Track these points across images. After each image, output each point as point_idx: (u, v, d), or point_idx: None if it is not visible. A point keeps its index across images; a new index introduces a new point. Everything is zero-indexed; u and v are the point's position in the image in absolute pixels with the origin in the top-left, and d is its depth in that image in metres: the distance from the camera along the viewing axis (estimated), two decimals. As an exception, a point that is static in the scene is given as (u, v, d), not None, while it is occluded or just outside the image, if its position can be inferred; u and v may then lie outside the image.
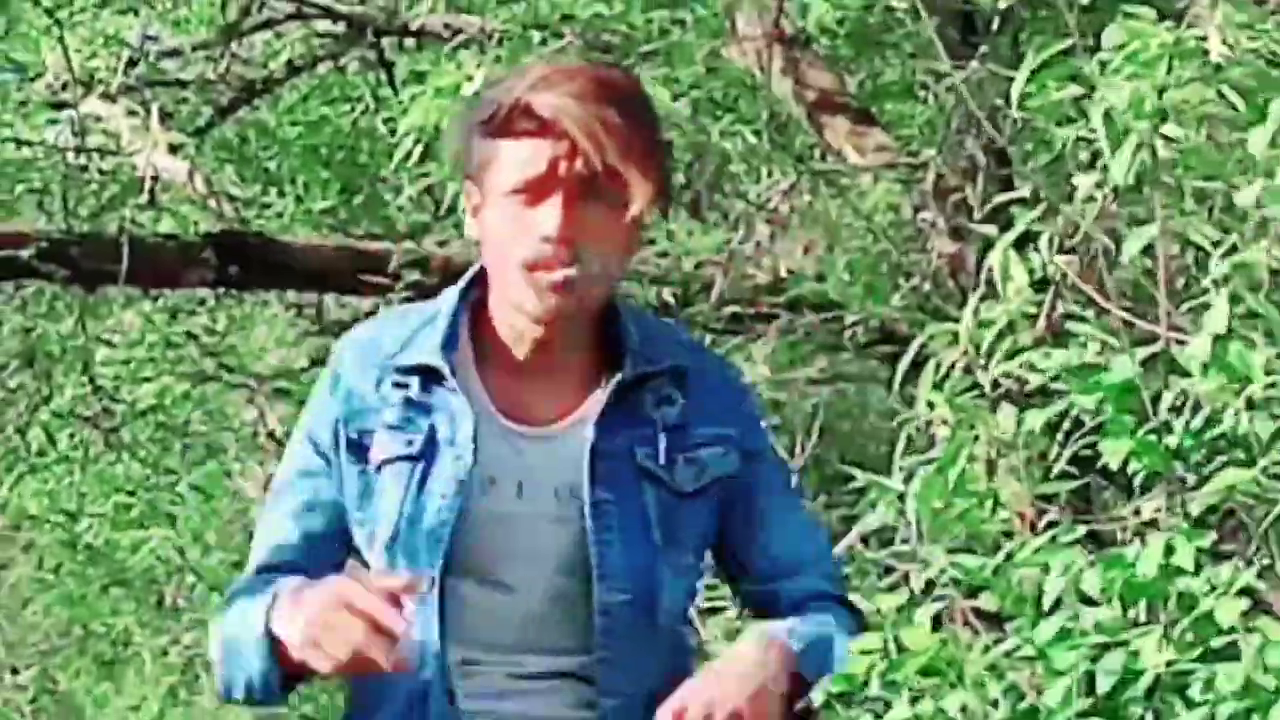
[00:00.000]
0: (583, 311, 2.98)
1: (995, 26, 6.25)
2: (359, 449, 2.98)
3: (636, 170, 2.92)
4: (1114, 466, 2.62)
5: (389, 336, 3.03)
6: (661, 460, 2.99)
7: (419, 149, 5.99)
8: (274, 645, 2.83)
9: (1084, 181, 2.77)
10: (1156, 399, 2.60)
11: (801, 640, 2.90)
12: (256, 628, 2.85)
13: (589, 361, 3.02)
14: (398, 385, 2.99)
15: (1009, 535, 2.71)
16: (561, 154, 2.90)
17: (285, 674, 2.87)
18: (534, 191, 2.91)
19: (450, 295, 3.04)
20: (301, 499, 3.03)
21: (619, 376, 2.98)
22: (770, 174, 7.14)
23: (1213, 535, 2.55)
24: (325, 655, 2.75)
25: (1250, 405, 2.56)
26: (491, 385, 2.99)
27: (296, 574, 2.93)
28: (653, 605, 2.96)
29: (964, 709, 2.54)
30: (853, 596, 3.05)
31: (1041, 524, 2.73)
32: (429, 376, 2.97)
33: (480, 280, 3.02)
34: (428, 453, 2.96)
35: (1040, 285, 2.76)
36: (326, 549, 3.01)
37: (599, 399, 2.97)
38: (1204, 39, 2.72)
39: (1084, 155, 2.84)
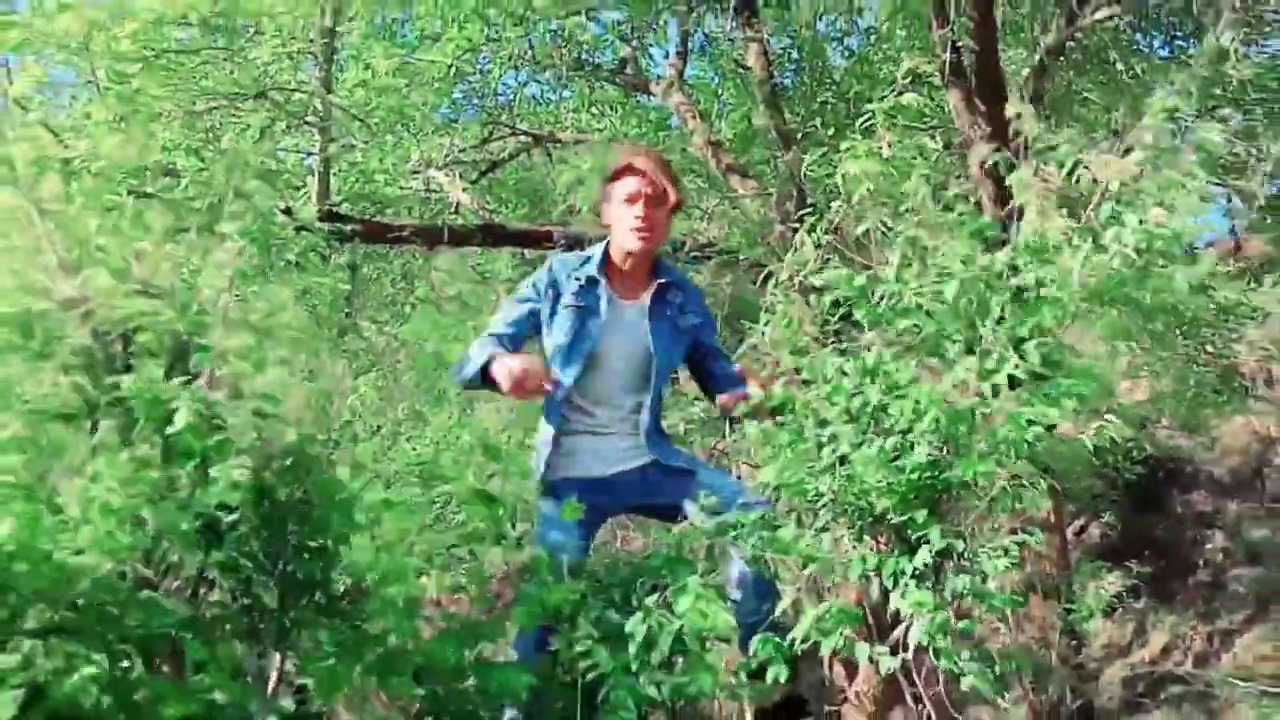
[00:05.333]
0: (649, 253, 3.01)
1: (800, 137, 6.15)
2: (556, 298, 2.97)
3: (671, 190, 2.99)
4: (858, 319, 2.59)
5: (573, 259, 3.03)
6: (674, 317, 3.00)
7: (567, 192, 5.98)
8: (486, 371, 2.81)
9: (836, 204, 2.75)
10: (873, 292, 2.56)
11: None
12: (481, 360, 2.83)
13: (648, 277, 3.02)
14: (577, 279, 2.98)
15: (808, 348, 2.69)
16: (644, 184, 2.96)
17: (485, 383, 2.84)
18: (632, 200, 2.97)
19: (600, 247, 3.03)
20: (518, 308, 3.00)
21: (657, 282, 3.00)
22: (706, 198, 7.05)
23: (900, 343, 2.54)
24: (507, 379, 2.74)
25: (918, 293, 2.52)
26: (615, 285, 3.00)
27: (505, 339, 2.92)
28: (664, 372, 2.97)
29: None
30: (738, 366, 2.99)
31: (828, 340, 2.73)
32: (591, 281, 2.98)
33: (608, 244, 3.03)
34: (586, 310, 2.96)
35: (818, 246, 2.75)
36: (522, 330, 2.97)
37: (650, 293, 3.00)
38: (881, 147, 2.68)
39: (837, 191, 2.79)
